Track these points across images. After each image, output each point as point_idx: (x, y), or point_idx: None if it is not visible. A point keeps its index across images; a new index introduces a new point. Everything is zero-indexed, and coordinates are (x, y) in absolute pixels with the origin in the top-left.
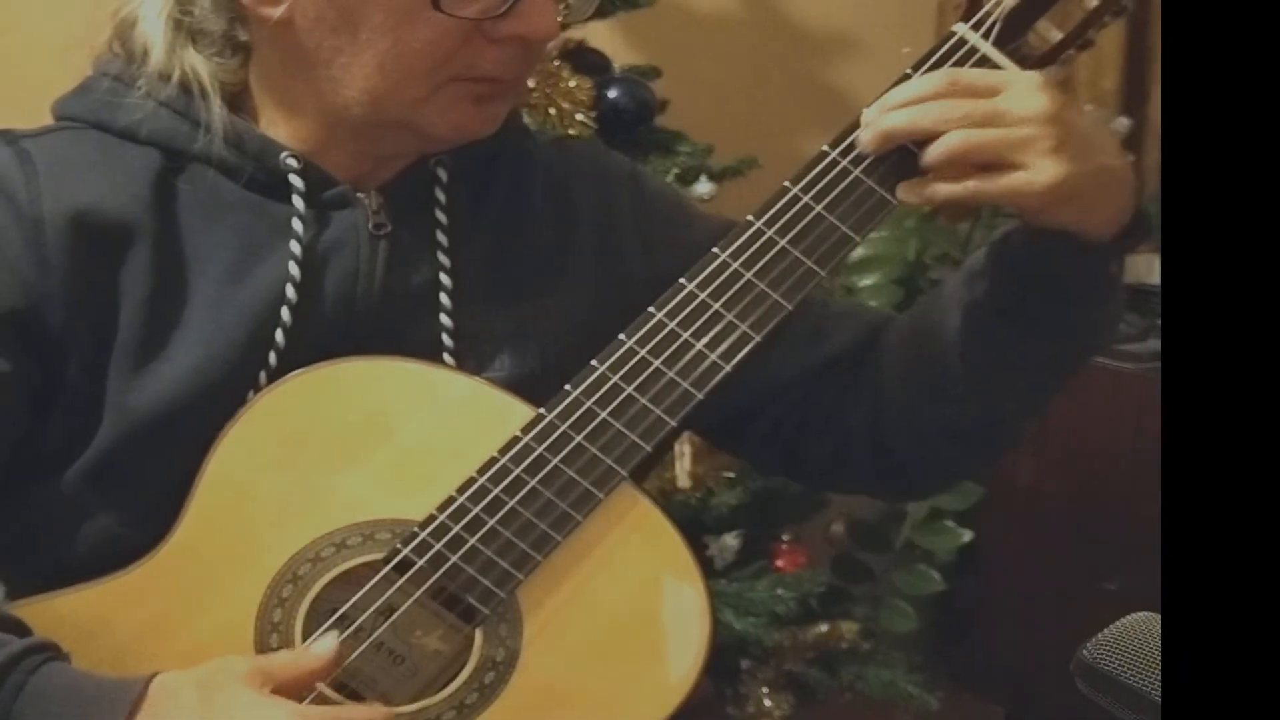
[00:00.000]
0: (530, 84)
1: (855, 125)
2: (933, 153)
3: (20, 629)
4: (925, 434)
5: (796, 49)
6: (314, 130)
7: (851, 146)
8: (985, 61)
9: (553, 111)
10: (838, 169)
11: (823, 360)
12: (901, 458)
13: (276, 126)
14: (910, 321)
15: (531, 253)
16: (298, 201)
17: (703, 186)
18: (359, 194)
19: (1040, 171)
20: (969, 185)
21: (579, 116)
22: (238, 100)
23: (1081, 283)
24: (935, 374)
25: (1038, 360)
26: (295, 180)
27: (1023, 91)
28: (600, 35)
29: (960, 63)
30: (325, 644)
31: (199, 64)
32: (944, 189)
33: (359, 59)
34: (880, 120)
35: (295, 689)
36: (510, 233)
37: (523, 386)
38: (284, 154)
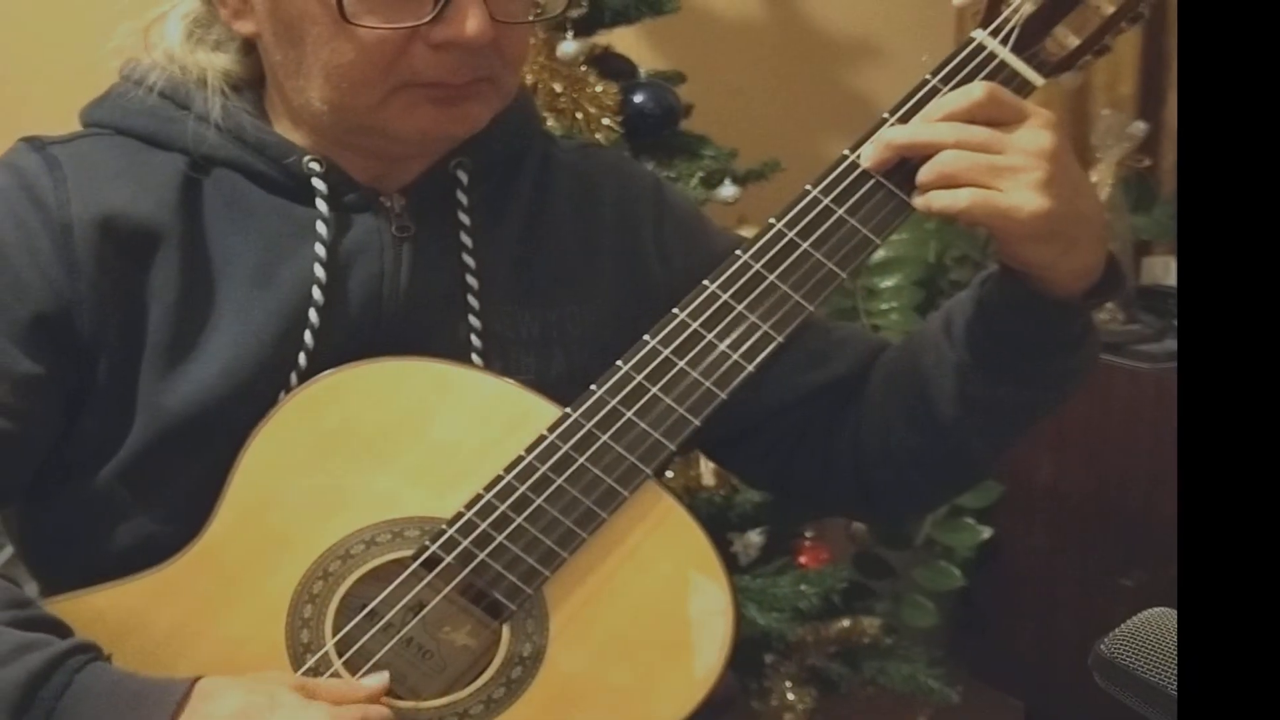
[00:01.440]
0: (558, 89)
1: (876, 129)
2: (925, 170)
3: (61, 629)
4: (898, 459)
5: (819, 55)
6: (311, 134)
7: None
8: (1003, 67)
9: (579, 116)
10: (858, 172)
11: (820, 384)
12: (877, 480)
13: (289, 131)
14: (897, 351)
15: (556, 256)
16: (321, 204)
17: (727, 189)
18: (381, 197)
19: (1026, 201)
20: (960, 196)
21: (605, 121)
22: (260, 104)
23: (1051, 333)
24: (910, 404)
25: (1007, 402)
26: (318, 183)
27: (1030, 125)
28: (626, 41)
29: (978, 68)
30: (377, 679)
31: (207, 61)
32: (939, 200)
33: (311, 70)
34: (884, 131)
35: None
36: (535, 236)
37: (548, 389)
38: (306, 157)
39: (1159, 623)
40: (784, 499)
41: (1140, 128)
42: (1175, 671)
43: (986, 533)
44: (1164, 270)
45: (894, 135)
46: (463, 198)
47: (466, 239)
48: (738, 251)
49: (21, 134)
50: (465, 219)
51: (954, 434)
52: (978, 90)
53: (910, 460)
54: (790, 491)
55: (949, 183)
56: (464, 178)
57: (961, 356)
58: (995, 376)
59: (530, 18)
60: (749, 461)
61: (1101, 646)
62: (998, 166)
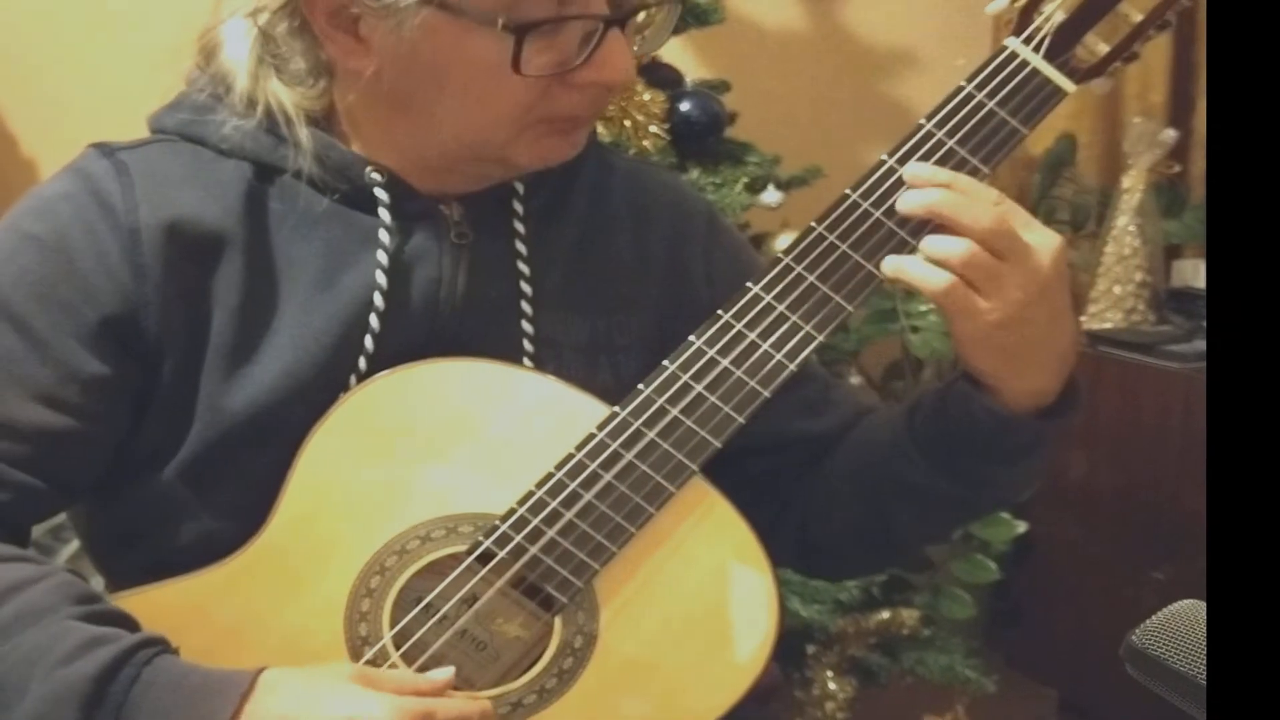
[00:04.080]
0: None
1: (913, 135)
2: (933, 249)
3: (130, 623)
4: (835, 523)
5: (859, 64)
6: (402, 157)
7: (909, 156)
8: (1036, 74)
9: (628, 124)
10: (895, 177)
11: (805, 434)
12: (815, 539)
13: (363, 147)
14: (872, 420)
15: (609, 266)
16: (383, 213)
17: (770, 195)
18: (440, 205)
19: (991, 311)
20: (940, 279)
21: (653, 128)
22: (324, 119)
23: (992, 441)
24: (857, 473)
25: (938, 494)
26: (380, 194)
27: (1042, 246)
28: (673, 51)
29: (1011, 75)
30: (442, 673)
31: (283, 93)
32: (917, 272)
33: (446, 109)
34: (931, 193)
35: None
36: (589, 246)
37: (595, 394)
38: (369, 169)
39: (1189, 614)
40: None
41: (1170, 135)
42: (1204, 662)
43: (1022, 527)
44: (1193, 273)
45: (938, 202)
46: (518, 207)
47: (521, 246)
48: (779, 254)
49: (91, 140)
50: (520, 227)
51: (887, 512)
52: (994, 194)
53: (845, 527)
54: None
55: (943, 264)
56: (520, 187)
57: (909, 440)
58: (933, 468)
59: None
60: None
61: (1133, 637)
62: (992, 274)
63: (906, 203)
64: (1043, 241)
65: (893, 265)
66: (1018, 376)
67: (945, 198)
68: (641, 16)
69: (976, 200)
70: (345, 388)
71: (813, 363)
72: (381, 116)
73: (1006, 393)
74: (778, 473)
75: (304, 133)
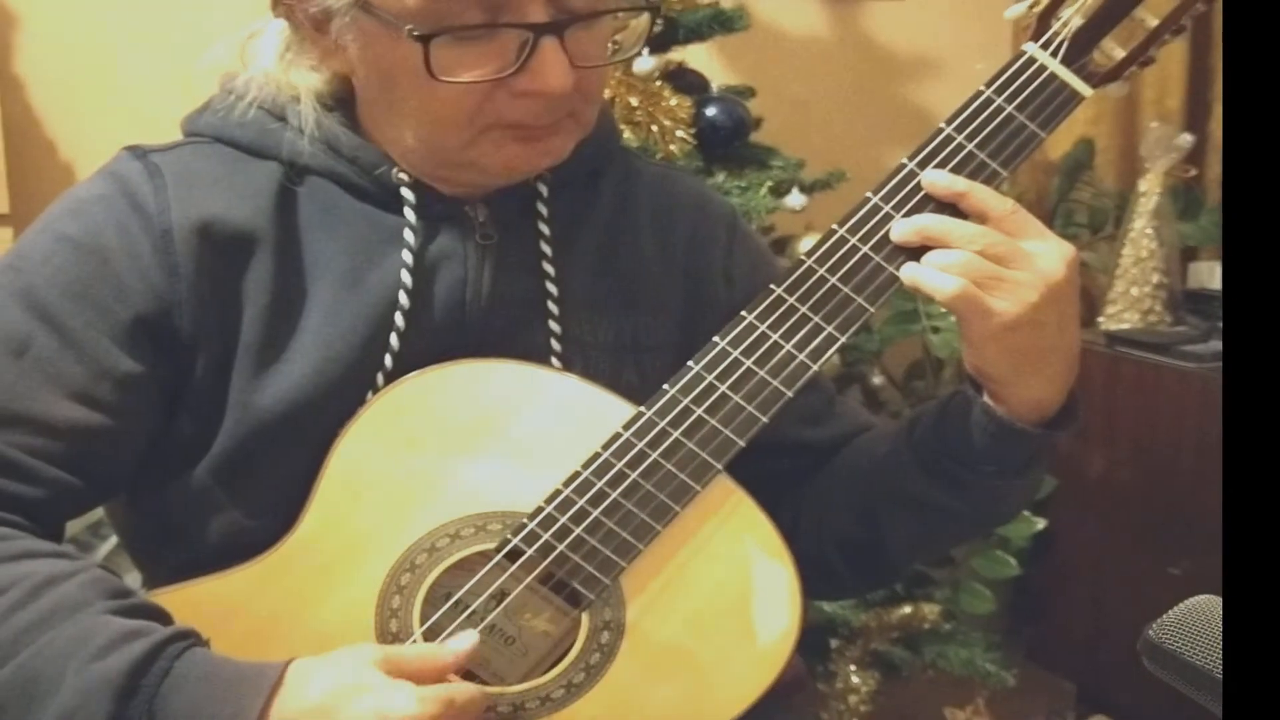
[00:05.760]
0: (634, 103)
1: (933, 139)
2: (936, 260)
3: (163, 617)
4: (824, 536)
5: (882, 70)
6: (402, 157)
7: (929, 159)
8: (1053, 78)
9: (655, 129)
10: (916, 180)
11: (804, 442)
12: (802, 552)
13: (380, 144)
14: (869, 435)
15: (634, 268)
16: (409, 213)
17: (794, 198)
18: (465, 207)
19: (1007, 308)
20: (950, 284)
21: (679, 133)
22: (352, 120)
23: (993, 452)
24: (850, 485)
25: (934, 506)
26: (407, 193)
27: (1051, 252)
28: (699, 57)
29: (1030, 79)
30: (464, 639)
31: (300, 78)
32: (929, 279)
33: (403, 112)
34: (920, 218)
35: (425, 680)
36: (613, 248)
37: (620, 394)
38: (395, 169)
39: (1205, 609)
40: None
41: (1187, 139)
42: (1220, 656)
43: (1041, 524)
44: (1209, 275)
45: (927, 225)
46: (543, 209)
47: (546, 248)
48: (802, 256)
49: (126, 143)
50: (545, 229)
51: (879, 525)
52: (1009, 204)
53: (834, 540)
54: None
55: (949, 271)
56: (544, 190)
57: (908, 449)
58: (929, 477)
59: (608, 57)
60: None
61: (1150, 632)
62: (1000, 277)
63: (901, 231)
64: (1054, 248)
65: (909, 274)
66: (1024, 382)
67: (933, 223)
68: (616, 19)
69: (972, 222)
70: (373, 386)
71: (820, 375)
72: (375, 117)
73: (1011, 400)
74: (772, 477)
75: (311, 114)
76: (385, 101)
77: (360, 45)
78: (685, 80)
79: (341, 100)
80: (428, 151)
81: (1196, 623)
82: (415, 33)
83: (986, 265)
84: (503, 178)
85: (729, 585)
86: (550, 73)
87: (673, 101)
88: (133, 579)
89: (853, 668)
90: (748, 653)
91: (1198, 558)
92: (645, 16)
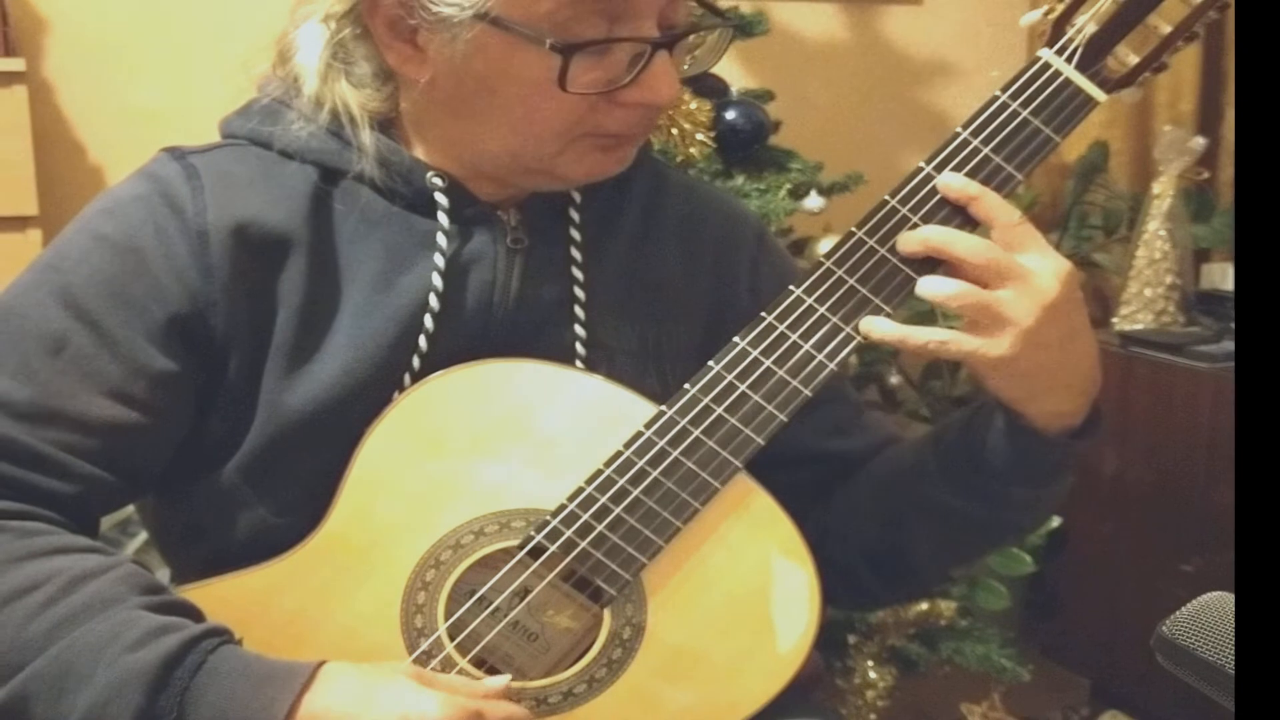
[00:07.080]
0: None
1: (950, 143)
2: (933, 289)
3: (195, 614)
4: (850, 546)
5: (899, 74)
6: (459, 163)
7: (946, 163)
8: (1068, 83)
9: (675, 132)
10: (933, 183)
11: (829, 452)
12: (828, 561)
13: (425, 153)
14: (896, 446)
15: (660, 275)
16: (442, 217)
17: (813, 201)
18: (498, 211)
19: (993, 348)
20: (934, 335)
21: (699, 136)
22: (388, 123)
23: (1017, 461)
24: (877, 495)
25: (959, 515)
26: (440, 198)
27: (1048, 269)
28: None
29: (1045, 85)
30: (499, 680)
31: (349, 96)
32: (919, 335)
33: (495, 120)
34: (926, 229)
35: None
36: (640, 256)
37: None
38: (430, 174)
39: (1218, 606)
40: None
41: (1200, 143)
42: (1233, 652)
43: (1056, 521)
44: (1222, 276)
45: (931, 236)
46: (574, 214)
47: (576, 253)
48: (821, 258)
49: (158, 147)
50: (576, 234)
51: (905, 535)
52: (1016, 215)
53: (860, 549)
54: None
55: (945, 305)
56: (577, 197)
57: (934, 459)
58: (955, 486)
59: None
60: None
61: (1163, 628)
62: (993, 311)
63: (906, 243)
64: (1049, 266)
65: (896, 336)
66: (1040, 398)
67: (937, 235)
68: (693, 37)
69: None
70: (400, 386)
71: (847, 387)
72: (439, 123)
73: (1032, 412)
74: (799, 487)
75: (368, 136)
76: (470, 110)
77: (464, 55)
78: (705, 84)
79: (382, 114)
80: (509, 160)
81: (1209, 619)
82: (556, 45)
83: (980, 295)
84: (574, 184)
85: (748, 583)
86: (663, 84)
87: (692, 105)
88: (161, 575)
89: (870, 663)
90: (767, 648)
91: (1210, 555)
92: (725, 32)
